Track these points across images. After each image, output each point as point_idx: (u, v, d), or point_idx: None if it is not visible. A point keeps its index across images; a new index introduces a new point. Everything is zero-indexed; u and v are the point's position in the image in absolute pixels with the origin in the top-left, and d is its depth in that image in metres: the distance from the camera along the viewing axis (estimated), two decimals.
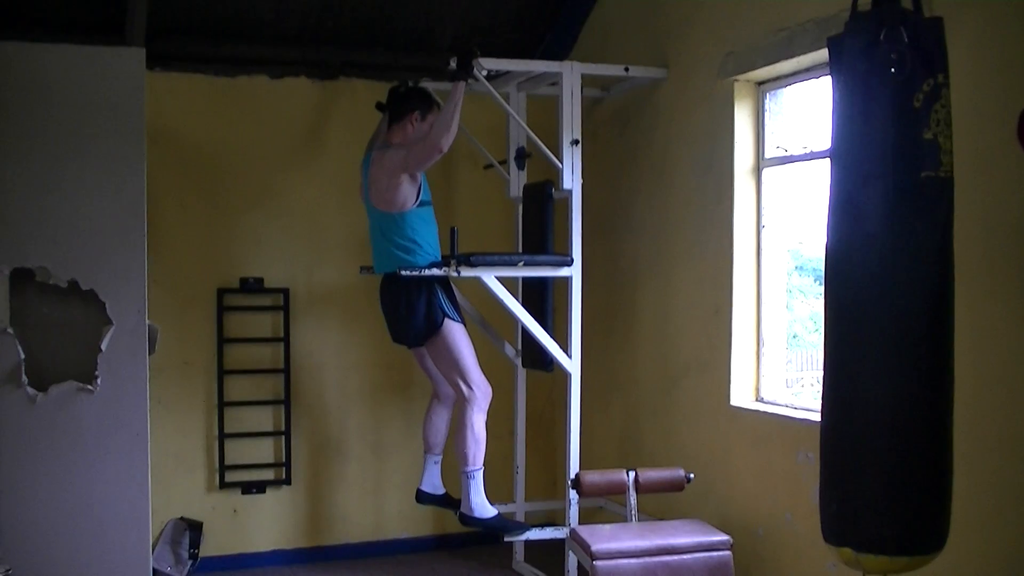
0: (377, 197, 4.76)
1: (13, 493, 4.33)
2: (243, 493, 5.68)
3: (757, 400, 4.69)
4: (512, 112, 5.18)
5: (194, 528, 5.52)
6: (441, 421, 5.12)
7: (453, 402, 5.03)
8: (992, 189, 3.34)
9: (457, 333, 4.77)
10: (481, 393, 4.81)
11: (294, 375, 5.76)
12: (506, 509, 5.60)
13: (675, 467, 4.49)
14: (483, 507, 4.83)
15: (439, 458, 5.13)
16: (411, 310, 4.75)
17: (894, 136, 2.72)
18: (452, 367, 4.80)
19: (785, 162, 4.60)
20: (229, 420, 5.63)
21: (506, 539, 5.13)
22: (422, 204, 4.76)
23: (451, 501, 5.11)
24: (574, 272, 4.95)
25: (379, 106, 5.27)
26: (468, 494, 4.83)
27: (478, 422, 4.82)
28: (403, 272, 4.65)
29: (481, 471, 4.83)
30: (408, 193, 4.69)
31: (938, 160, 2.71)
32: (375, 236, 4.87)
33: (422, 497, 5.14)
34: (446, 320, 4.73)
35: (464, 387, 4.78)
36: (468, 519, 4.86)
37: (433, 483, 5.13)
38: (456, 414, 4.93)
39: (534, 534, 5.13)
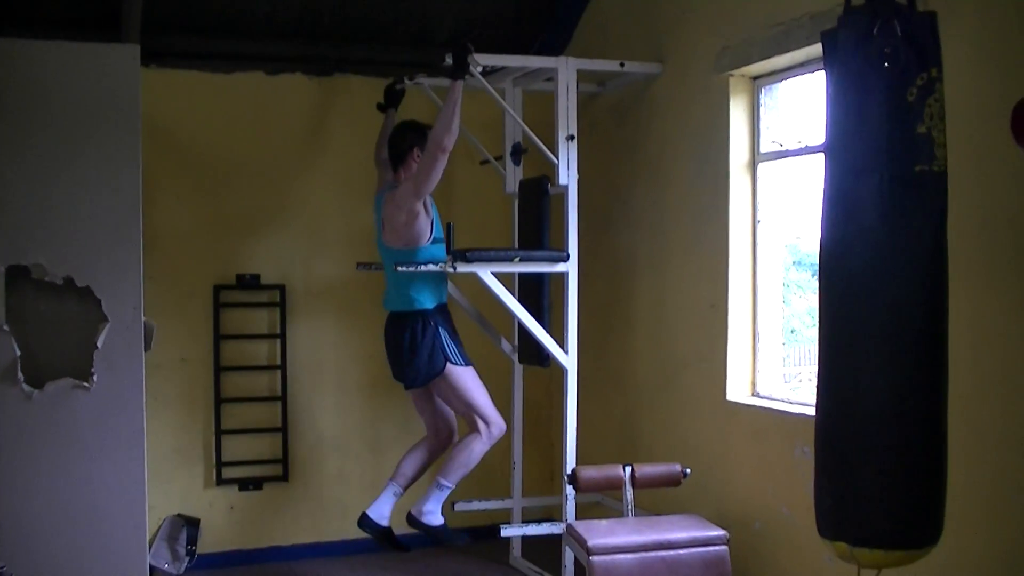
0: (392, 235, 4.77)
1: (9, 490, 4.32)
2: (240, 490, 5.69)
3: (754, 395, 4.69)
4: (508, 108, 5.18)
5: (191, 525, 5.52)
6: (422, 460, 5.05)
7: (441, 450, 5.07)
8: (986, 183, 3.34)
9: (463, 376, 4.83)
10: (495, 429, 4.88)
11: (291, 371, 5.76)
12: (503, 505, 5.62)
13: (672, 462, 4.49)
14: (434, 515, 4.87)
15: (400, 493, 4.95)
16: (414, 352, 4.78)
17: (888, 130, 2.72)
18: (464, 406, 4.87)
19: (780, 157, 4.60)
20: (226, 416, 5.63)
21: (447, 542, 5.13)
22: (435, 241, 4.79)
23: (390, 538, 4.94)
24: (570, 267, 4.95)
25: (380, 106, 5.28)
26: (428, 499, 4.86)
27: (477, 450, 4.86)
28: (399, 268, 4.65)
29: (451, 491, 4.88)
30: (423, 227, 4.72)
31: (932, 154, 2.72)
32: (390, 275, 4.88)
33: (364, 522, 4.89)
34: (447, 365, 4.77)
35: (480, 423, 4.85)
36: (416, 522, 4.86)
37: (382, 512, 4.90)
38: (462, 433, 4.99)
39: (531, 529, 5.14)
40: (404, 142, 4.84)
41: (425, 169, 4.59)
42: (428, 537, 5.00)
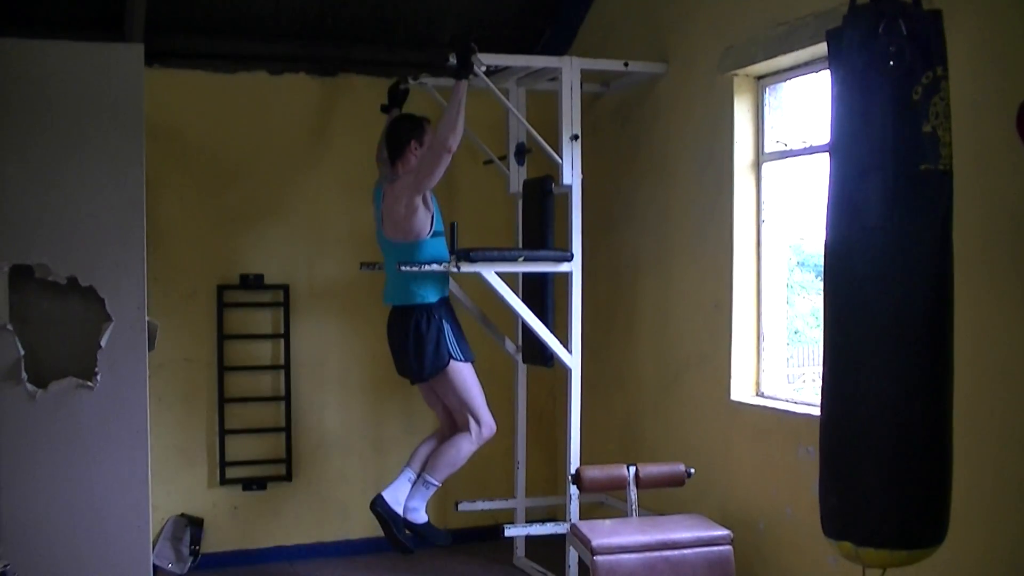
0: (392, 228, 4.77)
1: (13, 490, 4.32)
2: (244, 489, 5.69)
3: (757, 395, 4.68)
4: (512, 108, 5.18)
5: (195, 524, 5.52)
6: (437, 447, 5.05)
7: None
8: (991, 182, 3.33)
9: (463, 373, 4.82)
10: (485, 430, 4.88)
11: (294, 371, 5.76)
12: (507, 505, 5.62)
13: (675, 462, 4.49)
14: (418, 513, 4.87)
15: (415, 479, 4.91)
16: (419, 347, 4.77)
17: (893, 129, 2.72)
18: (459, 403, 4.86)
19: (785, 156, 4.59)
20: (230, 416, 5.63)
21: (430, 543, 5.06)
22: (435, 235, 4.78)
23: (398, 526, 4.84)
24: (574, 267, 4.94)
25: (383, 108, 5.27)
26: (412, 495, 4.86)
27: (465, 449, 4.86)
28: (402, 268, 4.65)
29: (436, 488, 4.87)
30: (423, 220, 4.71)
31: (937, 153, 2.71)
32: (389, 264, 4.87)
33: (378, 504, 4.82)
34: (451, 361, 4.76)
35: (472, 422, 4.85)
36: (393, 514, 4.78)
37: (396, 497, 4.84)
38: (451, 432, 4.96)
39: (535, 529, 5.13)
40: (402, 135, 4.84)
41: (427, 167, 4.60)
42: (418, 536, 4.94)
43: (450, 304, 4.93)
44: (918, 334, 2.75)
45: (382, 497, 4.83)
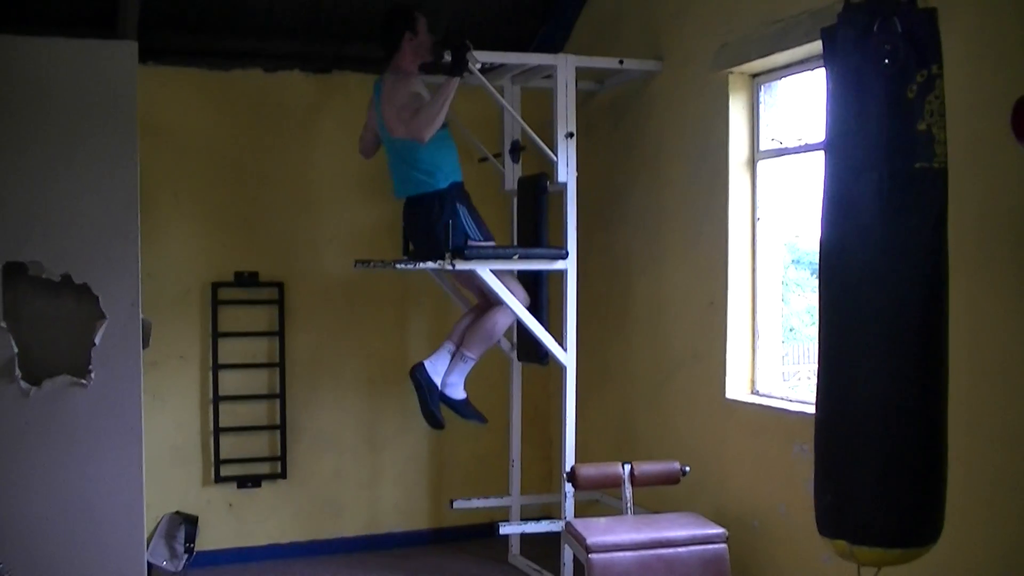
0: (395, 121, 4.76)
1: (6, 488, 4.32)
2: (238, 487, 5.68)
3: (752, 393, 4.69)
4: (506, 105, 5.17)
5: (189, 522, 5.51)
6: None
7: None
8: (986, 180, 3.34)
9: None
10: (517, 302, 4.81)
11: (289, 369, 5.75)
12: (502, 503, 5.61)
13: (671, 460, 4.49)
14: (457, 388, 4.86)
15: (454, 351, 4.91)
16: (432, 233, 4.75)
17: (888, 127, 2.72)
18: (483, 286, 4.82)
19: (780, 154, 4.59)
20: (224, 414, 5.62)
21: (466, 420, 5.02)
22: (444, 139, 4.79)
23: (433, 395, 4.82)
24: (569, 265, 4.94)
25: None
26: (451, 370, 4.85)
27: (501, 323, 4.88)
28: (398, 266, 4.64)
29: (475, 363, 4.86)
30: (425, 97, 4.71)
31: (932, 151, 2.71)
32: (394, 162, 4.87)
33: (417, 371, 4.83)
34: (469, 243, 4.73)
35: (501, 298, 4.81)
36: (432, 385, 4.77)
37: (436, 368, 4.85)
38: (485, 306, 4.95)
39: (530, 527, 5.13)
40: (393, 30, 4.86)
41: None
42: (448, 405, 4.91)
43: (463, 189, 4.88)
44: (913, 332, 2.74)
45: (423, 365, 4.83)
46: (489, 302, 4.95)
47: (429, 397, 4.80)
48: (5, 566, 4.13)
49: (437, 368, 4.83)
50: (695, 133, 4.88)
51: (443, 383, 4.82)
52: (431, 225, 4.75)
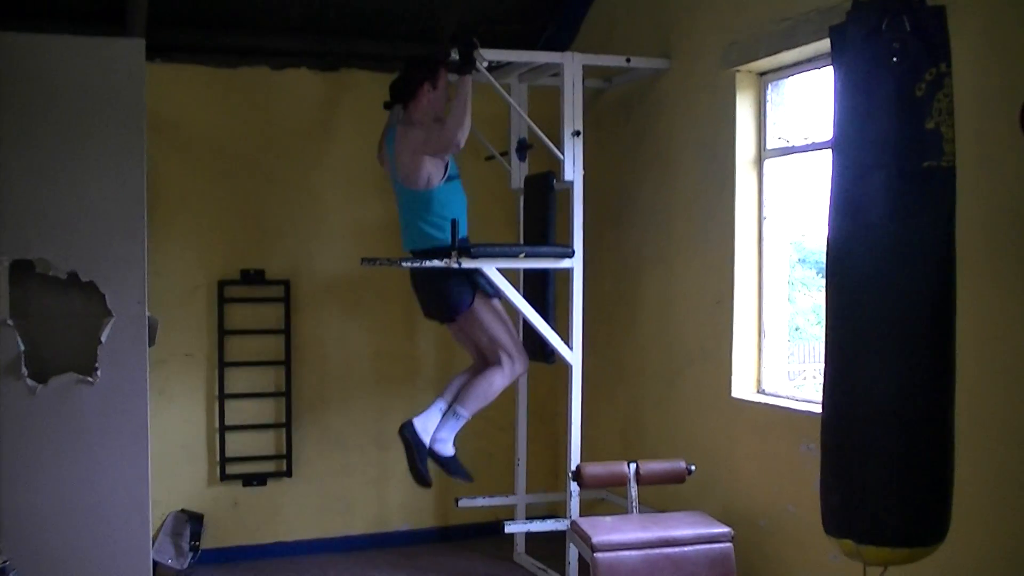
0: (403, 174, 4.76)
1: (13, 485, 4.32)
2: (244, 485, 5.68)
3: (759, 392, 4.68)
4: (513, 103, 5.17)
5: (195, 520, 5.52)
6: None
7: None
8: (995, 179, 3.33)
9: (488, 310, 4.81)
10: (518, 365, 4.88)
11: (295, 367, 5.75)
12: (507, 501, 5.61)
13: (677, 459, 4.48)
14: (446, 445, 4.84)
15: (446, 409, 4.88)
16: (442, 288, 4.75)
17: (896, 126, 2.71)
18: (488, 340, 4.85)
19: (787, 153, 4.58)
20: (230, 412, 5.63)
21: (452, 477, 4.99)
22: (450, 179, 4.77)
23: (422, 455, 4.78)
24: (575, 263, 4.94)
25: (387, 105, 5.25)
26: (441, 426, 4.82)
27: (498, 383, 4.86)
28: (404, 264, 4.64)
29: (466, 420, 4.85)
30: (432, 170, 4.70)
31: (940, 150, 2.71)
32: (404, 213, 4.87)
33: (406, 429, 4.79)
34: (476, 298, 4.75)
35: (503, 356, 4.84)
36: (420, 444, 4.75)
37: (426, 427, 4.81)
38: (484, 367, 4.94)
39: (535, 526, 5.13)
40: (413, 79, 4.80)
41: (435, 148, 4.64)
42: (439, 464, 4.90)
43: (468, 242, 4.87)
44: (920, 331, 2.74)
45: (411, 423, 4.81)
46: (486, 361, 4.96)
47: (417, 455, 4.79)
48: (11, 562, 4.13)
49: (427, 427, 4.82)
50: (702, 131, 4.87)
51: (433, 438, 4.81)
52: (441, 282, 4.75)
